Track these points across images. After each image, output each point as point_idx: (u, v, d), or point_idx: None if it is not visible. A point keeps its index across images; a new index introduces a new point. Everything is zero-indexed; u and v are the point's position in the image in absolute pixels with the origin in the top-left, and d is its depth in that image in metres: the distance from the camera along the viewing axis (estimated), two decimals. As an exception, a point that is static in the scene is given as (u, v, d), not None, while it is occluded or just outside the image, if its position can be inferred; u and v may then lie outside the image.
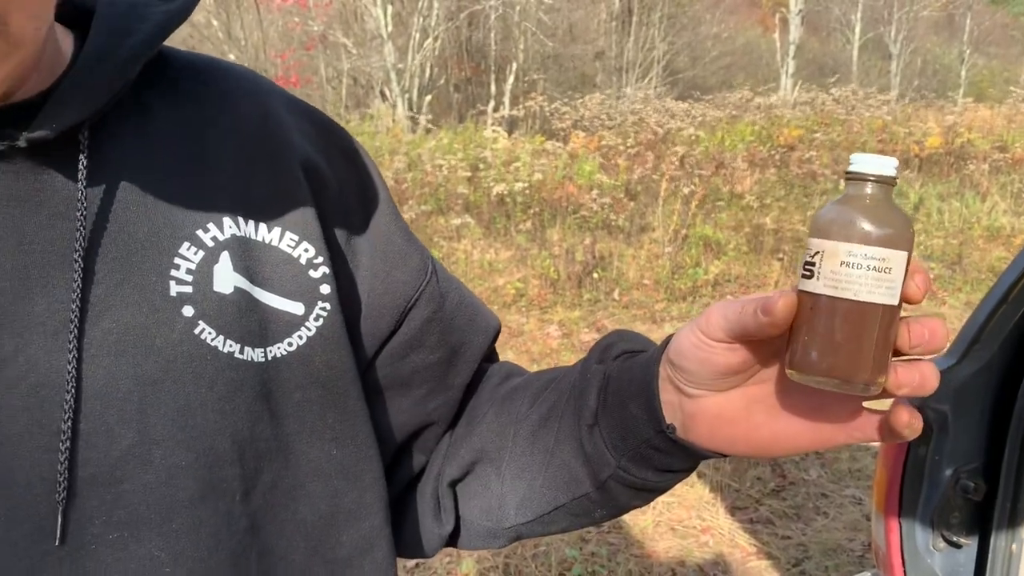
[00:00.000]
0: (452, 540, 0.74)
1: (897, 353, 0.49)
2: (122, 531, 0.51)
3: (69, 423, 0.50)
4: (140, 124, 0.57)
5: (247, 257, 0.58)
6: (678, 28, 15.90)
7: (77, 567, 0.50)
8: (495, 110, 12.26)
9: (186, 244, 0.55)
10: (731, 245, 6.23)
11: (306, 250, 0.60)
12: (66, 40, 0.56)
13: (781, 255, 6.14)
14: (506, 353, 4.66)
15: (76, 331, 0.50)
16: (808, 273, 0.49)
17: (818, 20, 18.07)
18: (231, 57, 15.66)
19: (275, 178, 0.60)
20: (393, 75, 12.23)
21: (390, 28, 12.20)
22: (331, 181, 0.63)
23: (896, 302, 0.48)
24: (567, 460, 0.64)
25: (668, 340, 0.57)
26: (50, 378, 0.50)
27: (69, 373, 0.50)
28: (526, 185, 6.81)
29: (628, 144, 8.43)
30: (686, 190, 6.80)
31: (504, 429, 0.69)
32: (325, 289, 0.60)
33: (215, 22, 15.71)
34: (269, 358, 0.58)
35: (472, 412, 0.74)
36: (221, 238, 0.57)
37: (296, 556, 0.60)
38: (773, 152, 8.59)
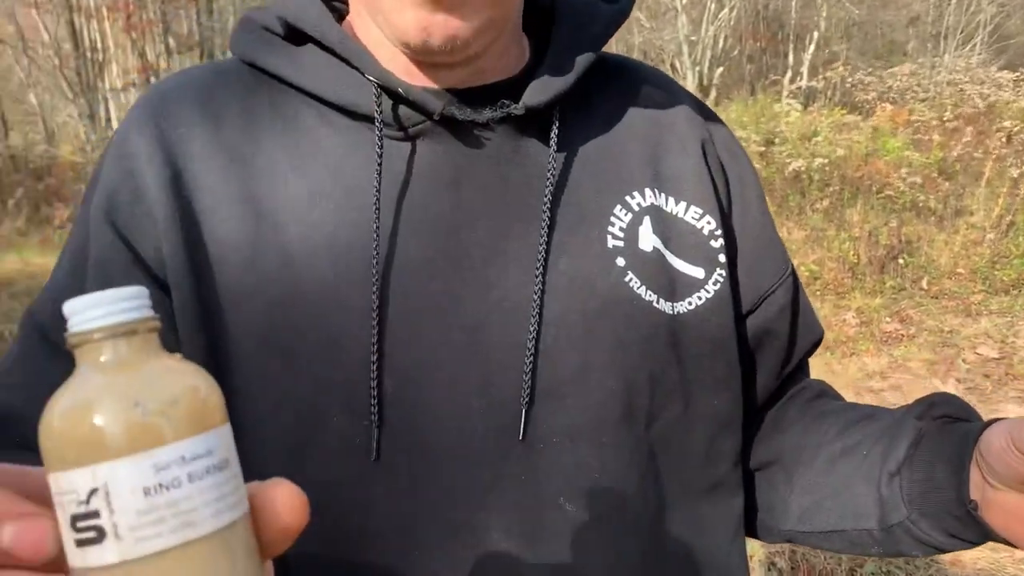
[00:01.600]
0: None
1: None
2: (563, 437, 0.60)
3: (533, 342, 0.60)
4: (585, 107, 0.68)
5: (661, 223, 0.66)
6: (1012, -13, 14.04)
7: (530, 461, 0.60)
8: (791, 81, 11.66)
9: (618, 207, 0.65)
10: (1069, 234, 5.48)
11: (708, 223, 0.68)
12: (524, 41, 0.69)
13: None
14: (796, 336, 4.50)
15: (542, 269, 0.61)
16: None
17: None
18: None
19: (681, 159, 0.69)
20: (685, 47, 12.06)
21: (684, 0, 12.02)
22: (720, 168, 0.72)
23: None
24: (860, 494, 0.67)
25: (989, 423, 0.58)
26: (520, 304, 0.60)
27: (535, 302, 0.60)
28: (826, 161, 6.44)
29: (944, 118, 7.66)
30: (1015, 171, 6.06)
31: (806, 444, 0.73)
32: (721, 259, 0.68)
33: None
34: (675, 312, 0.65)
35: (779, 416, 0.78)
36: (644, 205, 0.66)
37: (674, 486, 0.67)
38: None
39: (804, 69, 12.24)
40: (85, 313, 0.30)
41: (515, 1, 0.62)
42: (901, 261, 5.20)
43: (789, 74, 12.11)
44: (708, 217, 0.68)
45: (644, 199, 0.66)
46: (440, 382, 0.59)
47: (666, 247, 0.66)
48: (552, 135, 0.63)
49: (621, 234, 0.64)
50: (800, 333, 0.77)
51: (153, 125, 0.61)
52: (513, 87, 0.63)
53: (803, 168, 6.44)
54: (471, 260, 0.60)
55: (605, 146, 0.67)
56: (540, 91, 0.61)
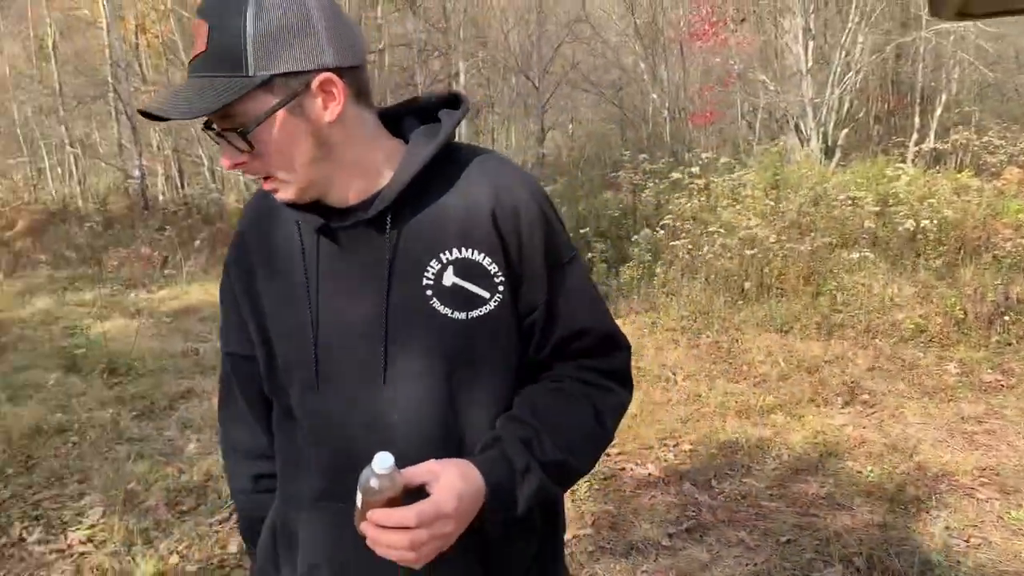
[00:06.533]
0: None
1: None
2: (405, 385, 1.09)
3: (383, 342, 1.08)
4: (422, 195, 1.08)
5: (462, 266, 1.08)
6: None
7: (385, 395, 1.09)
8: (917, 143, 11.73)
9: (432, 262, 1.08)
10: None
11: (491, 264, 1.09)
12: (397, 154, 1.11)
13: None
14: (897, 384, 4.79)
15: (386, 301, 1.08)
16: None
17: None
18: (653, 96, 16.88)
19: (479, 223, 1.08)
20: (809, 109, 12.33)
21: (810, 64, 12.33)
22: (508, 225, 1.09)
23: None
24: None
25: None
26: (378, 320, 1.08)
27: (383, 320, 1.08)
28: (935, 223, 6.67)
29: (1069, 182, 7.69)
30: None
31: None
32: (500, 286, 1.09)
33: (642, 65, 17.06)
34: (468, 318, 1.08)
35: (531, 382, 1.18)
36: (450, 258, 1.08)
37: (475, 427, 1.11)
38: None
39: (932, 132, 12.26)
40: None
41: (308, 180, 1.04)
42: (1008, 318, 5.40)
43: (915, 136, 12.17)
44: (492, 261, 1.08)
45: (451, 254, 1.07)
46: (341, 358, 1.11)
47: (465, 280, 1.07)
48: (387, 227, 1.07)
49: (432, 278, 1.08)
50: (551, 330, 1.15)
51: (252, 228, 1.20)
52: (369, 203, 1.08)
53: (917, 228, 6.67)
54: (351, 298, 1.09)
55: (431, 221, 1.08)
56: (377, 207, 1.05)
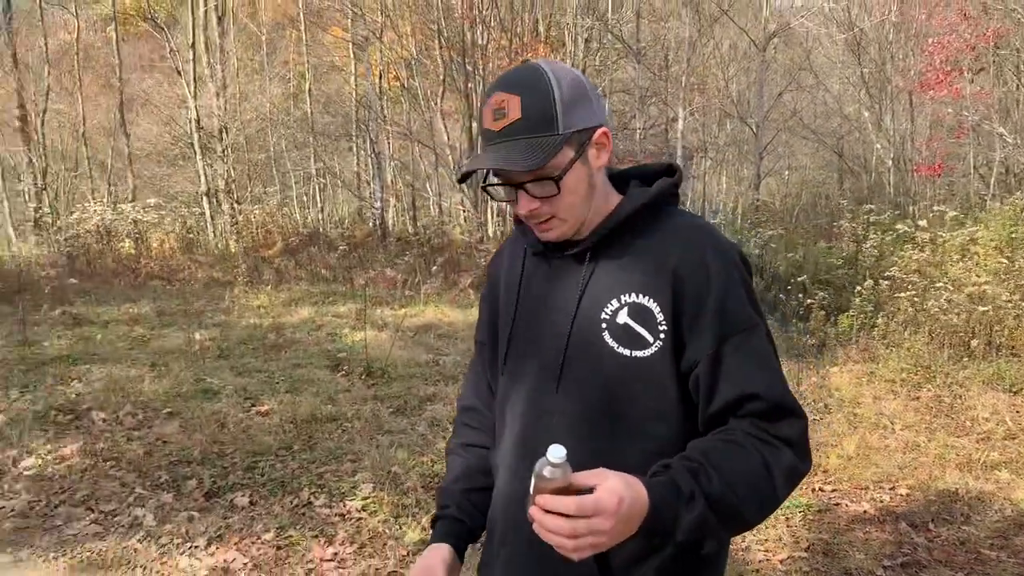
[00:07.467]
0: None
1: None
2: (574, 390, 1.24)
3: (564, 349, 1.24)
4: (619, 240, 1.24)
5: (635, 309, 1.21)
6: None
7: (555, 400, 1.25)
8: None
9: (613, 300, 1.22)
10: None
11: (660, 313, 1.20)
12: (613, 205, 1.27)
13: None
14: None
15: (572, 322, 1.24)
16: None
17: None
18: (876, 146, 16.37)
19: (658, 275, 1.21)
20: (1054, 165, 11.57)
21: (1056, 116, 11.59)
22: (683, 283, 1.20)
23: None
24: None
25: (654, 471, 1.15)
26: (561, 337, 1.24)
27: (566, 339, 1.24)
28: None
29: None
30: None
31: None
32: (663, 335, 1.20)
33: (866, 113, 16.64)
34: (630, 355, 1.20)
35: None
36: (626, 300, 1.21)
37: (624, 455, 1.20)
38: None
39: None
40: None
41: (578, 219, 1.23)
42: None
43: None
44: (661, 311, 1.19)
45: (629, 297, 1.21)
46: (531, 361, 1.30)
47: (634, 321, 1.20)
48: (586, 261, 1.25)
49: (609, 314, 1.21)
50: (717, 387, 1.19)
51: (506, 248, 1.47)
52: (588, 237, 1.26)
53: None
54: (548, 313, 1.28)
55: (622, 265, 1.23)
56: (581, 245, 1.24)
